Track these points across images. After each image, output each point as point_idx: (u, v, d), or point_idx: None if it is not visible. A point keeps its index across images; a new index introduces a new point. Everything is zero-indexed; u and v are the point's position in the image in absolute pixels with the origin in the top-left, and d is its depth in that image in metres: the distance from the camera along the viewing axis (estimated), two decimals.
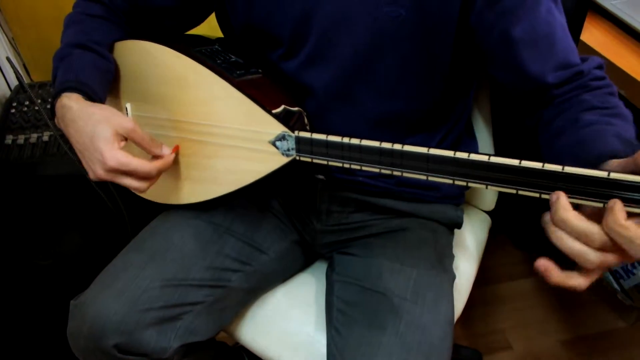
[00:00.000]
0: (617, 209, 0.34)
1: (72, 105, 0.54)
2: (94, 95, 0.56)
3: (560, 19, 0.53)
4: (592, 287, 1.14)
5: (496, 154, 0.41)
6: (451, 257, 0.68)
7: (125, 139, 0.54)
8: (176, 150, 0.60)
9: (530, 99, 0.55)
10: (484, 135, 0.78)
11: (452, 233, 0.71)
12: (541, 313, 1.13)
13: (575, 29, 0.76)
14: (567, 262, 0.39)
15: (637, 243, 0.33)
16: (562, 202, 0.36)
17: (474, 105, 0.76)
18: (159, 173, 0.56)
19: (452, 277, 0.65)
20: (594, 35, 0.80)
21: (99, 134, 0.51)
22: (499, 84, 0.57)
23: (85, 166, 0.54)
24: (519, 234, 1.28)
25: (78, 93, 0.55)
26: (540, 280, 1.30)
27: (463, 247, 0.78)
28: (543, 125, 0.55)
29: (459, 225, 0.70)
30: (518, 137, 0.72)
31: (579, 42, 0.78)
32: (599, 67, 0.54)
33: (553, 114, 0.53)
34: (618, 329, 1.09)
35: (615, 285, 1.12)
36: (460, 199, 0.71)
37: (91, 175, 0.54)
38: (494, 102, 0.76)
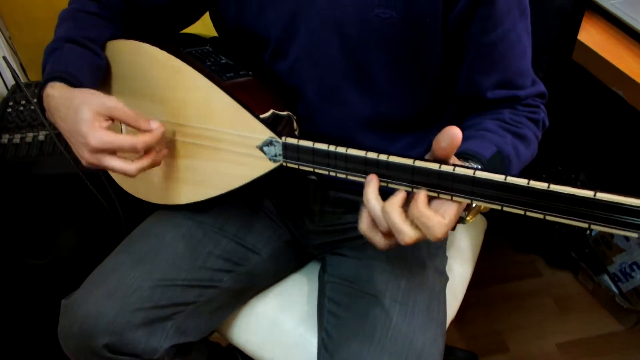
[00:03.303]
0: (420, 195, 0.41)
1: (55, 93, 0.53)
2: (77, 84, 0.55)
3: (524, 40, 0.55)
4: (590, 290, 1.12)
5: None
6: (444, 258, 0.67)
7: (112, 120, 0.52)
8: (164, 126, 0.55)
9: (468, 104, 0.59)
10: None
11: None
12: (538, 315, 1.12)
13: (573, 29, 0.75)
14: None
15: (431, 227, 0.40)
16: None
17: None
18: (148, 149, 0.53)
19: (445, 279, 0.65)
20: (591, 34, 0.79)
21: (80, 116, 0.50)
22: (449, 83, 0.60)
23: (76, 154, 0.53)
24: (516, 235, 1.28)
25: (62, 82, 0.54)
26: (537, 282, 1.29)
27: (458, 249, 0.78)
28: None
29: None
30: None
31: (576, 42, 0.77)
32: (540, 95, 0.57)
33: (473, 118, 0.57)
34: (616, 333, 1.09)
35: (614, 289, 1.11)
36: None
37: (82, 162, 0.52)
38: None
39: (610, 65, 0.74)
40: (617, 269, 1.10)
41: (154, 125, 0.54)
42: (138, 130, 0.53)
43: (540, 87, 0.58)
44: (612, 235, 1.10)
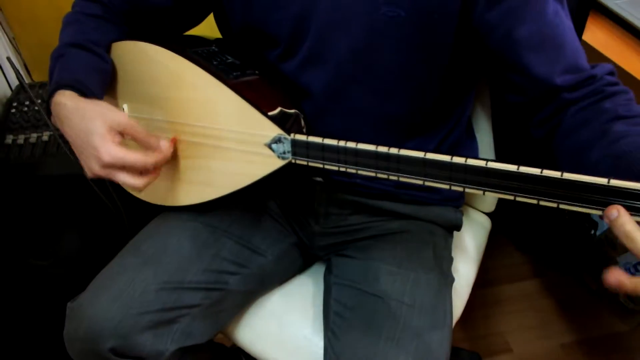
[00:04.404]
0: None
1: (66, 102, 0.53)
2: (88, 93, 0.55)
3: (567, 22, 0.52)
4: (594, 290, 1.11)
5: (496, 155, 0.40)
6: (450, 260, 0.67)
7: (122, 135, 0.53)
8: (174, 143, 0.58)
9: (540, 105, 0.53)
10: (484, 136, 0.77)
11: (451, 235, 0.70)
12: (542, 316, 1.12)
13: (578, 29, 0.75)
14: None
15: None
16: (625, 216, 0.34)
17: (474, 106, 0.75)
18: (157, 167, 0.55)
19: (451, 280, 0.65)
20: (596, 35, 0.79)
21: (93, 130, 0.50)
22: (509, 90, 0.55)
23: (82, 163, 0.53)
24: (520, 236, 1.27)
25: (72, 90, 0.54)
26: (541, 282, 1.28)
27: (463, 250, 0.78)
28: (563, 137, 0.52)
29: (458, 227, 0.69)
30: (519, 138, 0.72)
31: (580, 42, 0.77)
32: (611, 73, 0.52)
33: (573, 124, 0.51)
34: (620, 333, 1.08)
35: None
36: (459, 201, 0.70)
37: (88, 173, 0.53)
38: (495, 103, 0.76)
39: (615, 66, 0.74)
40: (622, 269, 1.09)
41: (163, 144, 0.55)
42: (146, 148, 0.55)
43: (606, 64, 0.53)
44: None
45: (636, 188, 0.34)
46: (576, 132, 0.50)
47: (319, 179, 0.65)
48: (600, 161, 0.46)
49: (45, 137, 0.90)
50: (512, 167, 0.38)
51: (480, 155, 0.75)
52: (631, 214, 0.34)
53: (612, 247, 1.11)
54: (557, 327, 1.10)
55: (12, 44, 1.09)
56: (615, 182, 0.35)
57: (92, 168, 0.52)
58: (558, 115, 0.53)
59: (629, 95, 0.51)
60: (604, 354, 1.05)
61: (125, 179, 0.52)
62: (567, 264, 1.21)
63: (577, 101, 0.51)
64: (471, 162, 0.40)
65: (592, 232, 1.15)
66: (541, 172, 0.37)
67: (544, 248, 1.24)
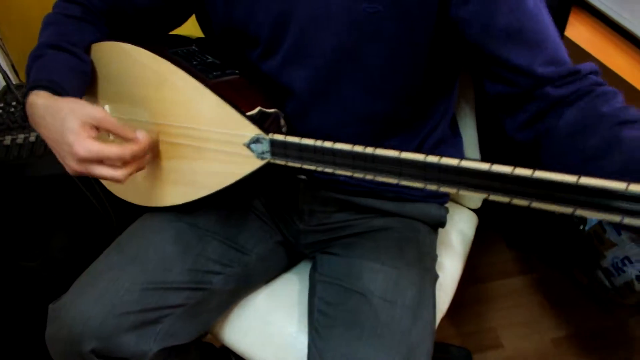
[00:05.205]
0: None
1: (39, 101, 0.53)
2: (63, 93, 0.55)
3: (547, 16, 0.51)
4: (584, 285, 1.11)
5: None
6: (434, 256, 0.68)
7: (97, 129, 0.52)
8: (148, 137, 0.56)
9: (524, 100, 0.52)
10: (469, 133, 0.77)
11: (436, 232, 0.70)
12: (532, 311, 1.13)
13: (560, 25, 0.75)
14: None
15: None
16: None
17: (459, 103, 0.75)
18: (137, 158, 0.54)
19: (435, 277, 0.65)
20: (578, 31, 0.79)
21: (66, 126, 0.50)
22: (492, 84, 0.54)
23: (61, 162, 0.53)
24: (510, 232, 1.28)
25: (47, 91, 0.54)
26: (531, 278, 1.29)
27: (449, 246, 0.78)
28: (557, 142, 0.50)
29: (442, 224, 0.69)
30: (503, 134, 0.72)
31: (563, 38, 0.77)
32: (595, 72, 0.51)
33: (574, 129, 0.48)
34: (609, 327, 1.09)
35: (607, 283, 1.12)
36: (444, 197, 0.70)
37: (68, 170, 0.53)
38: (479, 100, 0.76)
39: (597, 61, 0.74)
40: (610, 263, 1.10)
41: (140, 135, 0.54)
42: (124, 140, 0.54)
43: (590, 64, 0.51)
44: (604, 229, 1.10)
45: (604, 186, 0.34)
46: (577, 138, 0.48)
47: (303, 177, 0.65)
48: (622, 171, 0.43)
49: (32, 138, 0.89)
50: (484, 166, 0.39)
51: (465, 152, 0.75)
52: (601, 212, 0.35)
53: (600, 242, 1.12)
54: (547, 322, 1.10)
55: (0, 45, 1.09)
56: (584, 180, 0.35)
57: (69, 165, 0.51)
58: (546, 115, 0.51)
59: (620, 97, 0.49)
60: (594, 348, 1.06)
61: (104, 172, 0.51)
62: (556, 259, 1.21)
63: (565, 99, 0.49)
64: (444, 160, 0.40)
65: (581, 227, 1.15)
66: (512, 171, 0.37)
67: (534, 244, 1.24)
